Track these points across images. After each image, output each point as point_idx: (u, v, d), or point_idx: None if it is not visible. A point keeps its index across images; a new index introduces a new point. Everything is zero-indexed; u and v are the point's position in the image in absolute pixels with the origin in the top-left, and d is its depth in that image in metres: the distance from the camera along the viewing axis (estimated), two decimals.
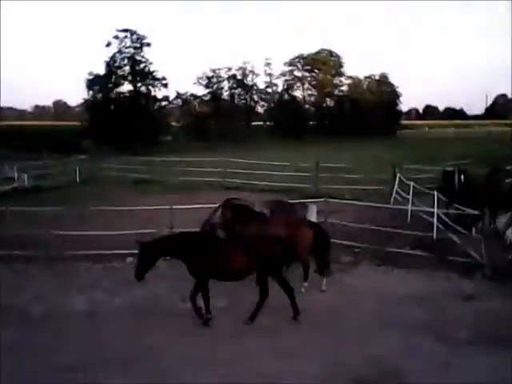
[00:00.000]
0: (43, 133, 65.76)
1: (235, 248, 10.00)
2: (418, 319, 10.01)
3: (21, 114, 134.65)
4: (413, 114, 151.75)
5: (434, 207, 16.29)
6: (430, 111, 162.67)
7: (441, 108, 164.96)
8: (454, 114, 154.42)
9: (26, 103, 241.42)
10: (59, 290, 11.89)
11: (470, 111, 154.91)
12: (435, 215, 15.84)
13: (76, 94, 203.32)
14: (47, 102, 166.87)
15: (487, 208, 16.75)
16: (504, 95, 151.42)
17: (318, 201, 16.46)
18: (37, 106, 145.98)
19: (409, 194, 19.99)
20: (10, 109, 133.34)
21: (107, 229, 15.68)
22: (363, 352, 8.72)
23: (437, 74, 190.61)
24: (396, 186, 23.00)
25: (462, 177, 17.45)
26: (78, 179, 31.32)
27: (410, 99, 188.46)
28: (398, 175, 23.66)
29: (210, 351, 8.88)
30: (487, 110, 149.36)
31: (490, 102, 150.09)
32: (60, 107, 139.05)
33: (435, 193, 16.72)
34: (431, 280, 12.39)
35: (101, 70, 64.42)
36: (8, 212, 14.95)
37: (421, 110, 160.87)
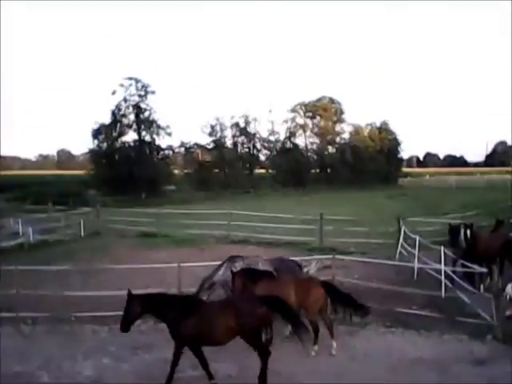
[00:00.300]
0: (47, 183, 66.42)
1: (217, 311, 9.80)
2: None
3: (24, 163, 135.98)
4: (413, 161, 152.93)
5: (441, 264, 16.29)
6: (430, 159, 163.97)
7: (441, 155, 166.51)
8: (454, 161, 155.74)
9: (29, 152, 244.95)
10: (66, 354, 11.78)
11: (470, 158, 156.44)
12: (443, 273, 15.82)
13: (79, 143, 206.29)
14: (51, 150, 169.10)
15: (495, 265, 16.79)
16: (503, 142, 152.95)
17: (326, 257, 16.46)
18: (40, 155, 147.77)
19: (414, 248, 19.99)
20: (14, 158, 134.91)
21: (113, 288, 15.62)
22: None
23: (436, 121, 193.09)
24: (401, 240, 23.01)
25: (468, 232, 17.44)
26: (82, 233, 31.31)
27: (411, 147, 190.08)
28: (403, 228, 23.69)
29: None
30: (487, 156, 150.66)
31: (490, 149, 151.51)
32: (64, 156, 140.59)
33: (442, 248, 16.72)
34: (442, 343, 12.27)
35: (106, 119, 65.53)
36: (16, 271, 14.92)
37: (421, 158, 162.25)
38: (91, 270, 18.68)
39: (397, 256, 21.56)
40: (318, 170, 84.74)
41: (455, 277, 16.00)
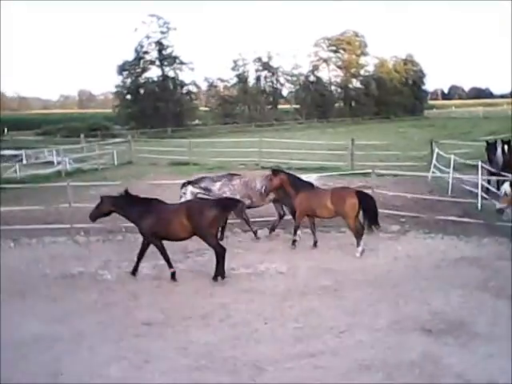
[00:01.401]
0: (73, 118, 67.08)
1: (173, 211, 10.87)
2: (475, 279, 10.29)
3: (45, 103, 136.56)
4: (438, 94, 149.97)
5: (477, 177, 16.46)
6: (455, 91, 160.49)
7: (466, 88, 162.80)
8: (479, 93, 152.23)
9: (51, 93, 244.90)
10: (122, 258, 12.42)
11: (496, 90, 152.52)
12: (479, 184, 16.01)
13: (100, 83, 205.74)
14: (72, 91, 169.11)
15: None
16: None
17: (365, 172, 16.77)
18: (61, 95, 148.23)
19: (448, 168, 20.12)
20: (35, 99, 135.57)
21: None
22: (426, 308, 9.07)
23: (461, 54, 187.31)
24: (434, 161, 23.08)
25: (506, 147, 17.47)
26: (115, 162, 31.91)
27: (435, 80, 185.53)
28: (436, 150, 23.73)
29: (279, 308, 9.30)
30: None
31: None
32: (84, 96, 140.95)
33: (479, 163, 16.86)
34: (482, 245, 12.63)
35: (129, 57, 65.46)
36: (68, 187, 15.49)
37: (446, 91, 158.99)
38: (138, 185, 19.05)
39: (430, 174, 21.63)
40: (342, 104, 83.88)
41: (491, 187, 16.20)
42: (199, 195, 14.04)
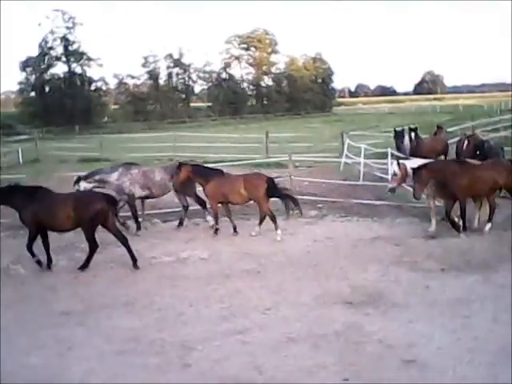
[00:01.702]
0: None
1: (60, 202, 10.63)
2: (391, 256, 10.74)
3: None
4: (345, 91, 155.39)
5: (387, 162, 17.15)
6: (361, 89, 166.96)
7: (371, 86, 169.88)
8: (384, 91, 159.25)
9: None
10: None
11: (399, 89, 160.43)
12: (389, 169, 16.65)
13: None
14: None
15: None
16: (431, 71, 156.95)
17: (283, 158, 17.01)
18: None
19: (358, 157, 20.84)
20: None
21: None
22: (346, 283, 9.36)
23: (367, 54, 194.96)
24: (345, 151, 23.81)
25: (413, 134, 18.36)
26: (20, 160, 30.37)
27: (342, 79, 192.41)
28: (347, 140, 24.52)
29: (203, 291, 9.25)
30: (416, 86, 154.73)
31: (418, 79, 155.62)
32: None
33: (389, 150, 17.61)
34: (395, 225, 13.22)
35: (33, 53, 62.71)
36: None
37: (352, 89, 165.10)
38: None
39: (342, 162, 22.29)
40: (254, 101, 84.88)
41: None
42: (96, 189, 13.30)
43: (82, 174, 14.08)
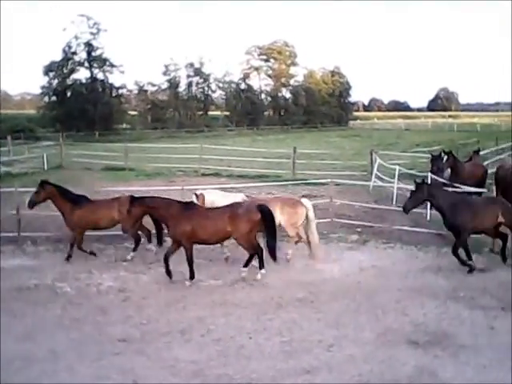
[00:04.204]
0: None
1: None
2: (445, 289, 10.50)
3: None
4: (359, 105, 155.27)
5: None
6: (374, 103, 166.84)
7: (385, 101, 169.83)
8: (397, 105, 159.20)
9: None
10: (79, 269, 11.72)
11: (412, 104, 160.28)
12: None
13: (16, 84, 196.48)
14: None
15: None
16: (445, 88, 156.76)
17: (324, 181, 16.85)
18: None
19: (391, 178, 20.59)
20: None
21: None
22: (406, 319, 9.10)
23: (381, 68, 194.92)
24: (375, 171, 23.57)
25: (451, 159, 18.04)
26: (45, 166, 30.34)
27: (356, 92, 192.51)
28: (378, 160, 24.27)
29: (259, 321, 9.04)
30: (430, 102, 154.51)
31: (432, 95, 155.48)
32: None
33: (429, 174, 17.35)
34: (442, 255, 12.91)
35: (57, 57, 63.15)
36: (16, 192, 14.55)
37: (366, 102, 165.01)
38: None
39: (371, 185, 22.01)
40: (271, 112, 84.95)
41: None
42: None
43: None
